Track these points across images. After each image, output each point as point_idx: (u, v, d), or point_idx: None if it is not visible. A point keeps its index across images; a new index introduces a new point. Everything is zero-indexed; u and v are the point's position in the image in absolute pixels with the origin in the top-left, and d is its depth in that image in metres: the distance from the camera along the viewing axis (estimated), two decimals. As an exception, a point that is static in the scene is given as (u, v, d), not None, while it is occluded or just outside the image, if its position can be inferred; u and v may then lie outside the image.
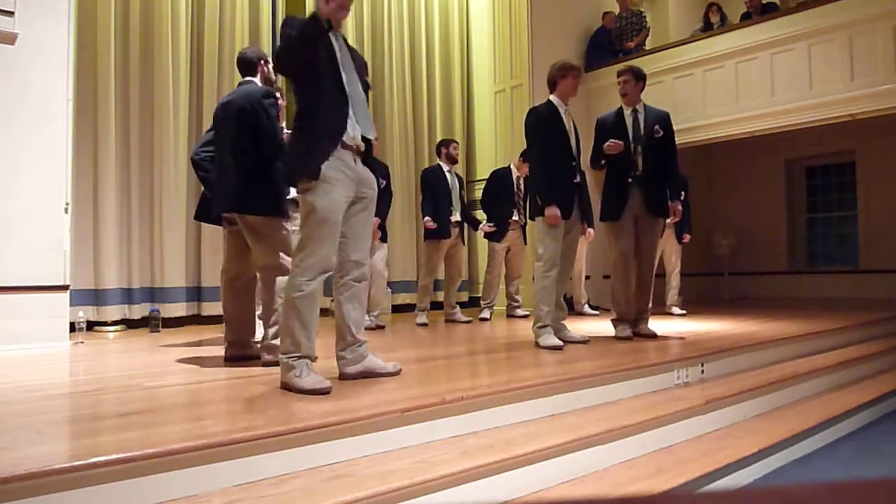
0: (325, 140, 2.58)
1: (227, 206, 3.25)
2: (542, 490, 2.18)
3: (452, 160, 5.78)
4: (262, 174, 3.19)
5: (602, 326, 4.57)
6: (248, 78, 3.48)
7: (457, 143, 5.98)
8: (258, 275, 3.34)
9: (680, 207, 4.33)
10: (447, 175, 5.72)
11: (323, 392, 2.43)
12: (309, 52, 2.54)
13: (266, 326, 3.26)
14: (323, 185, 2.54)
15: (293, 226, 3.46)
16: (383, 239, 5.39)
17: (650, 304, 4.38)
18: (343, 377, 2.72)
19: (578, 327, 4.47)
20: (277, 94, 3.77)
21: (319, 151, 2.56)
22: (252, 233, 3.22)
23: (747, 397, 3.23)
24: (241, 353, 3.38)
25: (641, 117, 4.27)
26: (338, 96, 2.63)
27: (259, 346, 3.34)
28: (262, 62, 3.53)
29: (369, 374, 2.75)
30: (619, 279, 4.27)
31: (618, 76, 4.36)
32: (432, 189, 5.65)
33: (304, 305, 2.52)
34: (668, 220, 4.43)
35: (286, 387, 2.51)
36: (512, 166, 6.10)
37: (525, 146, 5.98)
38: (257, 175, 3.18)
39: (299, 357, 2.51)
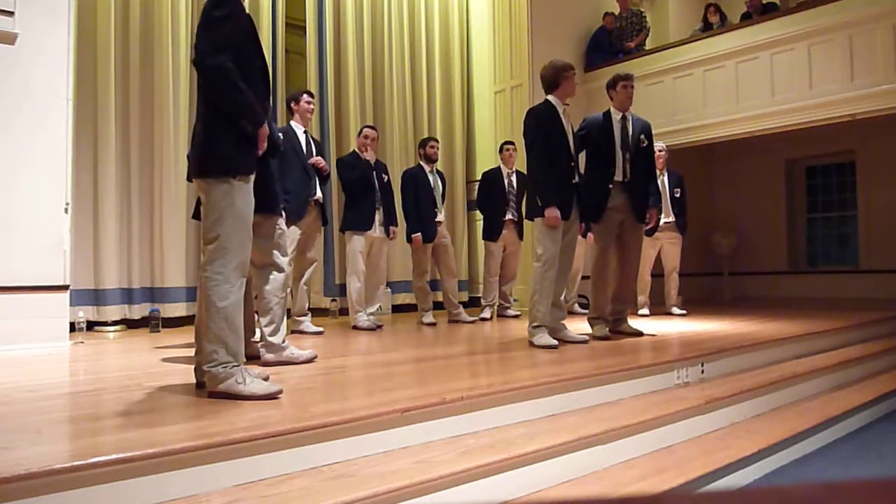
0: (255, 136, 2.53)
1: None
2: (542, 490, 2.18)
3: (430, 159, 5.64)
4: (259, 174, 3.18)
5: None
6: None
7: (436, 141, 5.82)
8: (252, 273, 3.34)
9: (657, 213, 4.62)
10: (429, 176, 5.61)
11: (276, 396, 2.36)
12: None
13: (262, 325, 3.28)
14: (245, 183, 2.49)
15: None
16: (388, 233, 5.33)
17: (637, 304, 4.45)
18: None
19: (572, 327, 4.47)
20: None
21: (253, 147, 2.53)
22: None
23: (747, 397, 3.24)
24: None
25: (629, 125, 4.37)
26: (266, 88, 2.63)
27: (259, 344, 3.34)
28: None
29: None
30: (598, 279, 4.35)
31: (624, 80, 4.36)
32: (416, 191, 5.52)
33: (234, 313, 2.42)
34: (663, 222, 4.55)
35: (226, 395, 2.36)
36: (500, 164, 6.03)
37: (515, 144, 6.01)
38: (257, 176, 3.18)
39: (236, 365, 2.41)
